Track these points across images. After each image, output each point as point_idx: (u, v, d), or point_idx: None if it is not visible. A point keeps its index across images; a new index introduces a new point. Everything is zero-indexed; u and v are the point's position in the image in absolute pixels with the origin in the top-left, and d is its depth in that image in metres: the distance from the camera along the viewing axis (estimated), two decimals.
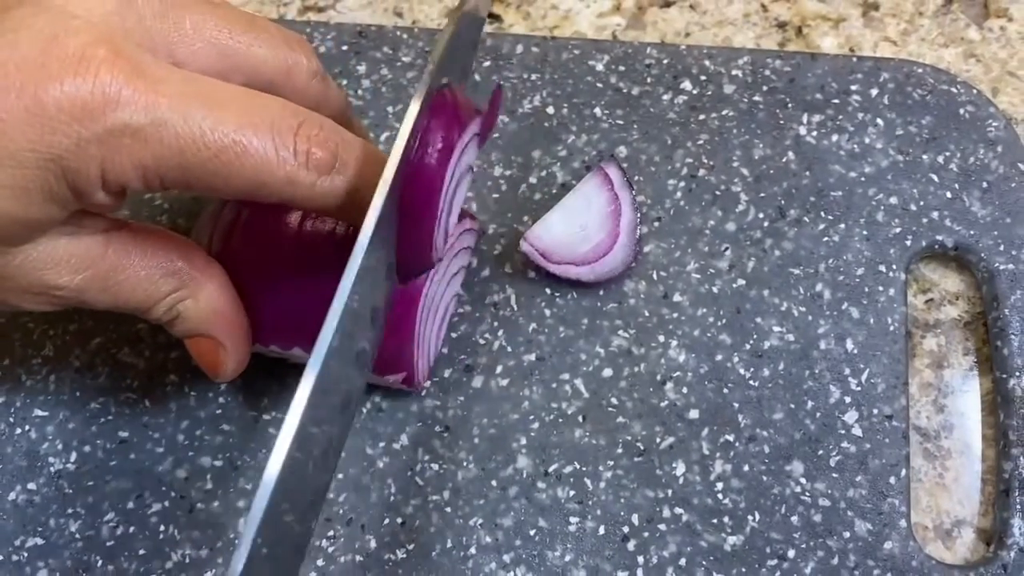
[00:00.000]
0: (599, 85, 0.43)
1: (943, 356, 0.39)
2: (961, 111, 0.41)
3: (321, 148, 0.27)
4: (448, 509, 0.36)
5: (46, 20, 0.25)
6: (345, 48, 0.44)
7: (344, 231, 0.33)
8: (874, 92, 0.42)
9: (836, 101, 0.42)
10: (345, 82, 0.43)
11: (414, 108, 0.28)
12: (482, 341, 0.38)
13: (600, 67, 0.43)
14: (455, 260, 0.37)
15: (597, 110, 0.42)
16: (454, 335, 0.39)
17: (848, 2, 0.47)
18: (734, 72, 0.43)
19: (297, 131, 0.27)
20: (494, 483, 0.36)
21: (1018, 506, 0.35)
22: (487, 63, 0.43)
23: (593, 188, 0.38)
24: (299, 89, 0.31)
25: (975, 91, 0.42)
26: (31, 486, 0.37)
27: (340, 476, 0.36)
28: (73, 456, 0.37)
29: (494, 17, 0.47)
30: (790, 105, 0.42)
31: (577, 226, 0.38)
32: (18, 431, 0.38)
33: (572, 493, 0.36)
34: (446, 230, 0.32)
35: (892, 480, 0.35)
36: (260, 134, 0.26)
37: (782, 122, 0.42)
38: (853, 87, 0.42)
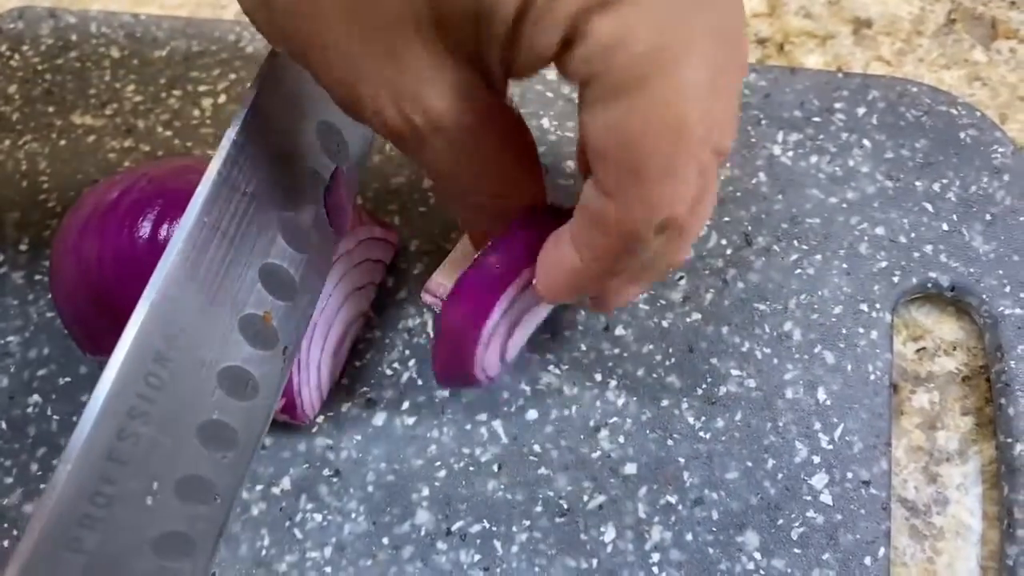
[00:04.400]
0: (549, 95, 0.38)
1: (936, 416, 0.33)
2: (962, 135, 0.36)
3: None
4: (328, 569, 0.30)
5: None
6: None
7: None
8: (861, 111, 0.37)
9: (817, 119, 0.37)
10: None
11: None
12: (389, 372, 0.33)
13: (552, 76, 0.38)
14: (354, 272, 0.32)
15: (545, 121, 0.38)
16: (357, 363, 0.33)
17: (837, 18, 0.42)
18: None
19: None
20: (386, 540, 0.30)
21: None
22: None
23: None
24: None
25: (978, 113, 0.36)
26: None
27: None
28: None
29: None
30: (764, 122, 0.37)
31: None
32: None
33: (478, 558, 0.30)
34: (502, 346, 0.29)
35: (867, 560, 0.29)
36: None
37: (753, 140, 0.36)
38: (837, 105, 0.37)
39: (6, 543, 0.31)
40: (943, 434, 0.32)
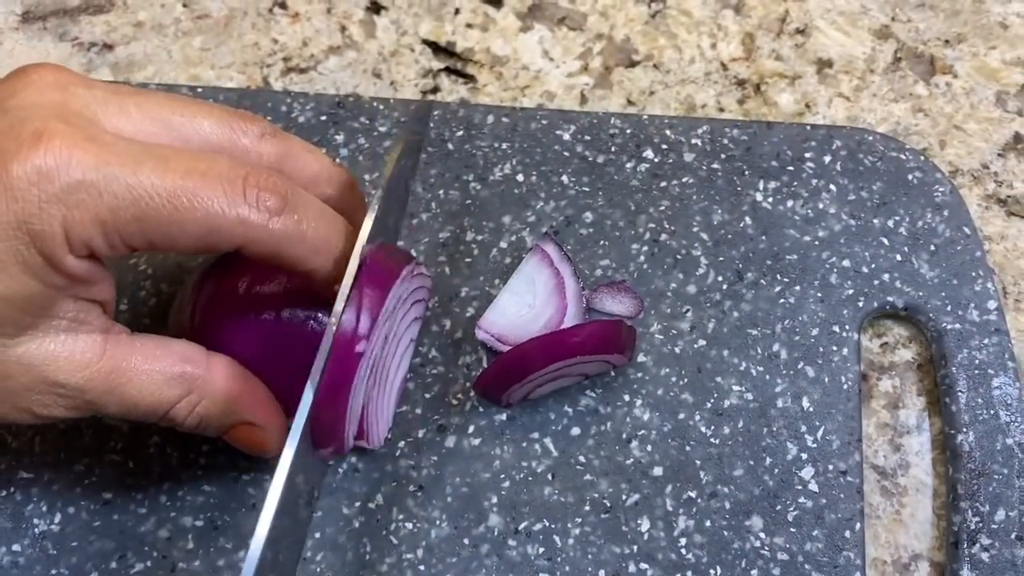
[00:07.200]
0: (566, 154, 0.45)
1: (898, 397, 0.41)
2: (910, 177, 0.44)
3: (270, 192, 0.30)
4: (422, 567, 0.37)
5: (2, 117, 0.28)
6: (324, 118, 0.46)
7: (319, 294, 0.34)
8: (827, 159, 0.44)
9: (791, 168, 0.44)
10: (324, 151, 0.45)
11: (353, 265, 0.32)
12: (455, 402, 0.40)
13: (567, 136, 0.45)
14: (413, 326, 0.38)
15: (564, 177, 0.44)
16: (428, 396, 0.40)
17: (803, 60, 0.49)
18: (694, 141, 0.45)
19: (245, 178, 0.29)
20: (466, 541, 0.38)
21: (967, 558, 0.37)
22: (460, 133, 0.45)
23: (534, 267, 0.40)
24: (249, 149, 0.32)
25: (922, 157, 0.44)
26: (16, 547, 0.38)
27: (317, 535, 0.38)
28: (58, 517, 0.39)
29: (469, 78, 0.49)
30: (747, 172, 0.44)
31: (526, 306, 0.40)
32: (3, 493, 0.39)
33: (542, 550, 0.37)
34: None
35: (847, 534, 0.37)
36: (209, 180, 0.29)
37: (739, 188, 0.44)
38: (807, 154, 0.44)
39: (148, 563, 0.38)
40: (903, 412, 0.41)
